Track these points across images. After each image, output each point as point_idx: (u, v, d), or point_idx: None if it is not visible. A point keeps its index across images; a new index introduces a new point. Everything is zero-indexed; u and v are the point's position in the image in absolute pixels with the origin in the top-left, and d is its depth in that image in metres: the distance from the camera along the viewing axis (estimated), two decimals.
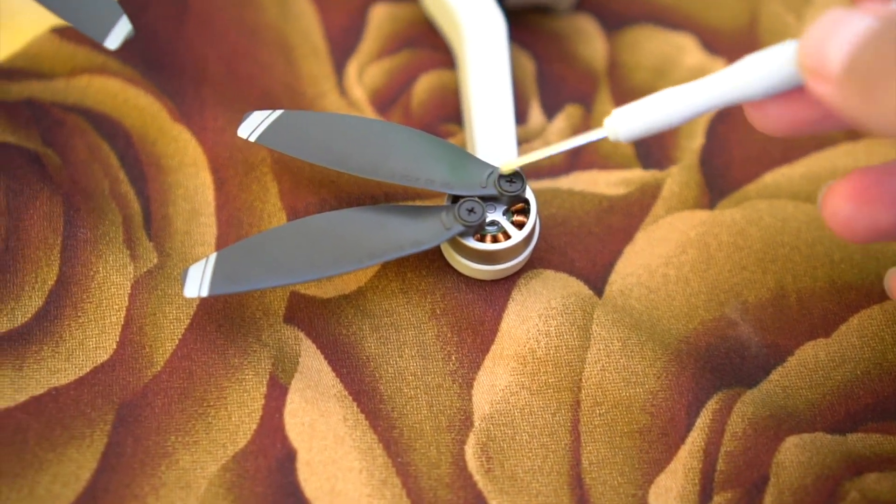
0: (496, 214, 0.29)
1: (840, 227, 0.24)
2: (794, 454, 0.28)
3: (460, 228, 0.28)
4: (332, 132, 0.29)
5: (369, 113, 0.33)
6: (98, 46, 0.33)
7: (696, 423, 0.28)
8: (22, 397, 0.28)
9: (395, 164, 0.29)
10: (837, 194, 0.24)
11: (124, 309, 0.29)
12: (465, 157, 0.29)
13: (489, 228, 0.29)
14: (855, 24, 0.22)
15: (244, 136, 0.29)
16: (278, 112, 0.30)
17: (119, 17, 0.27)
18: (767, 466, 0.28)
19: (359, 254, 0.28)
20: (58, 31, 0.34)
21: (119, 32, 0.27)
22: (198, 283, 0.27)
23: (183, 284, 0.27)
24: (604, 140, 0.33)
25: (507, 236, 0.29)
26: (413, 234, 0.28)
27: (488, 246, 0.29)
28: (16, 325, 0.29)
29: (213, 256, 0.28)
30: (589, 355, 0.29)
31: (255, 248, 0.28)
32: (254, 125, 0.30)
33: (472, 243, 0.29)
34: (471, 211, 0.28)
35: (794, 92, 0.24)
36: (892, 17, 0.22)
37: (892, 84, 0.21)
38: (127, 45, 0.29)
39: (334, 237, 0.28)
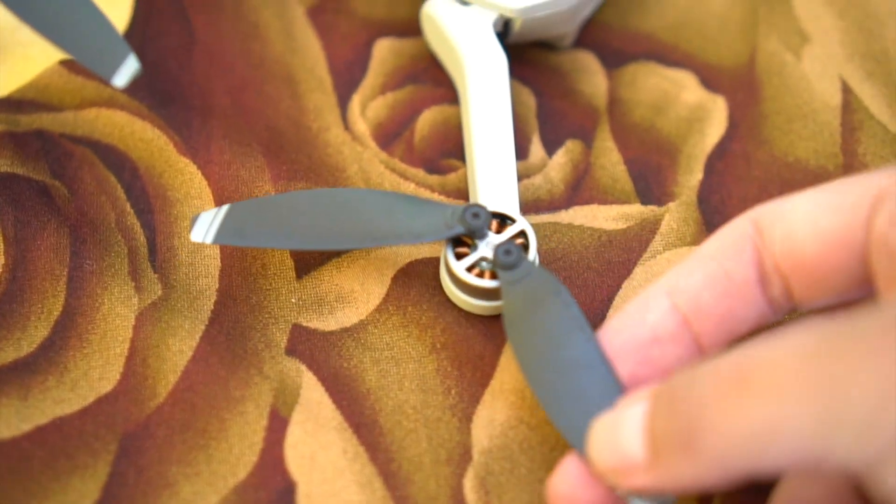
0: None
1: None
2: None
3: (461, 230, 0.29)
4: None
5: (372, 147, 0.34)
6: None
7: None
8: (27, 427, 0.28)
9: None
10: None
11: (128, 340, 0.30)
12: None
13: (484, 265, 0.29)
14: (630, 415, 0.23)
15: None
16: (225, 207, 0.29)
17: (127, 54, 0.28)
18: None
19: (361, 234, 0.29)
20: (67, 64, 0.34)
21: (127, 70, 0.28)
22: (205, 229, 0.29)
23: (191, 228, 0.29)
24: (603, 172, 0.33)
25: None
26: (416, 227, 0.29)
27: (487, 282, 0.29)
28: (21, 355, 0.29)
29: (225, 207, 0.29)
30: None
31: (266, 208, 0.29)
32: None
33: (472, 280, 0.29)
34: (475, 216, 0.29)
35: None
36: (657, 391, 0.23)
37: (703, 424, 0.21)
38: (134, 77, 0.30)
39: (343, 213, 0.29)
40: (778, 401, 0.20)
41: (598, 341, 0.26)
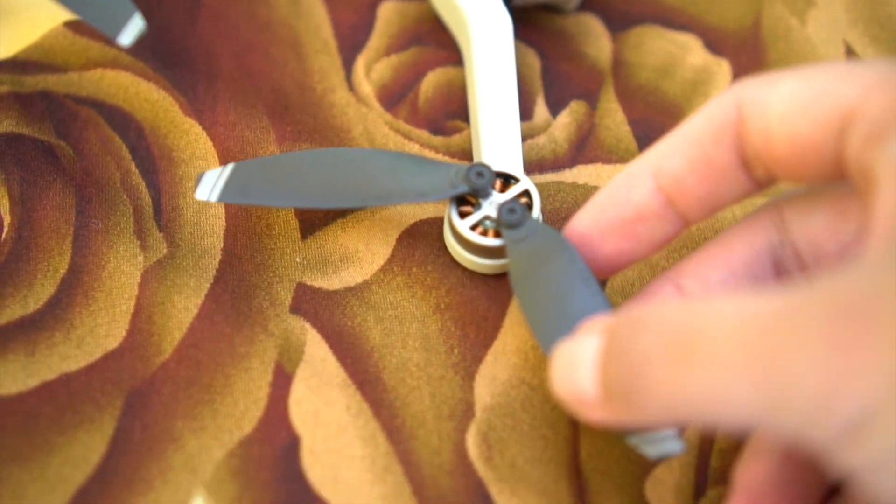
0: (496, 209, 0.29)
1: None
2: None
3: (465, 189, 0.29)
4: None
5: (377, 108, 0.34)
6: (111, 41, 0.34)
7: None
8: (34, 382, 0.28)
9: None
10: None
11: (134, 298, 0.30)
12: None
13: (488, 223, 0.29)
14: (585, 349, 0.23)
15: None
16: (230, 166, 0.30)
17: (132, 13, 0.28)
18: None
19: (365, 193, 0.29)
20: (71, 25, 0.34)
21: (132, 29, 0.28)
22: (210, 187, 0.29)
23: (196, 186, 0.29)
24: (607, 132, 0.33)
25: None
26: (420, 185, 0.29)
27: (491, 241, 0.29)
28: (28, 312, 0.29)
29: (230, 166, 0.29)
30: None
31: (271, 167, 0.30)
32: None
33: (476, 238, 0.29)
34: (479, 175, 0.29)
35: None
36: (610, 327, 0.23)
37: (647, 381, 0.21)
38: (140, 39, 0.30)
39: (347, 172, 0.29)
40: (719, 372, 0.20)
41: (604, 295, 0.26)
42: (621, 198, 0.26)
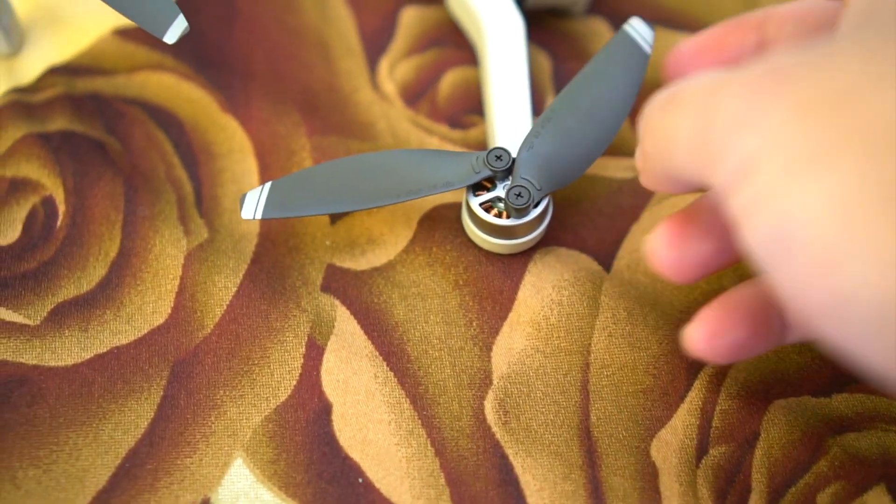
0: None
1: (670, 271, 0.27)
2: (783, 414, 0.30)
3: (488, 173, 0.31)
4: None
5: (399, 105, 0.36)
6: (155, 45, 0.37)
7: (695, 385, 0.31)
8: (87, 355, 0.31)
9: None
10: (657, 243, 0.27)
11: (178, 278, 0.32)
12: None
13: (501, 206, 0.32)
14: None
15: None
16: (268, 185, 0.31)
17: (176, 15, 0.31)
18: (758, 424, 0.30)
19: (397, 190, 0.31)
20: (119, 33, 0.37)
21: (176, 29, 0.31)
22: (253, 207, 0.31)
23: (241, 208, 0.31)
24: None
25: None
26: (445, 176, 0.31)
27: (506, 221, 0.32)
28: (82, 292, 0.32)
29: (267, 185, 0.31)
30: (598, 322, 0.32)
31: (304, 180, 0.32)
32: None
33: (492, 219, 0.32)
34: (498, 158, 0.31)
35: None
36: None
37: (649, 124, 0.26)
38: (181, 44, 0.32)
39: (376, 174, 0.31)
40: (681, 115, 0.24)
41: None
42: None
